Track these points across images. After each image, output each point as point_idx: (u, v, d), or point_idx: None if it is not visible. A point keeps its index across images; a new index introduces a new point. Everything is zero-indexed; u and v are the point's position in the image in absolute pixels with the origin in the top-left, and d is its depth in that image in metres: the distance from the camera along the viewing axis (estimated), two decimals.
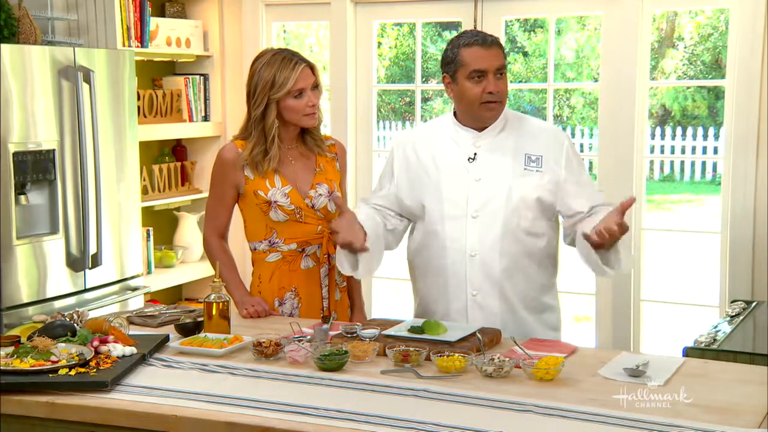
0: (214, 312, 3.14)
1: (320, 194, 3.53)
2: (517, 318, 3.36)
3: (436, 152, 3.44)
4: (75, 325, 3.05)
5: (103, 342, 2.88)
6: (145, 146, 5.36)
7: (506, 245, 3.32)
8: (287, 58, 3.46)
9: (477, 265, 3.33)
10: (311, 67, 3.49)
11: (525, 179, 3.33)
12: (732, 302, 4.26)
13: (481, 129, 3.40)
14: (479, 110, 3.36)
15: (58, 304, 4.45)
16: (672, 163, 14.67)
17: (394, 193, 3.50)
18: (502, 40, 5.23)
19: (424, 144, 3.49)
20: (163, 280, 5.54)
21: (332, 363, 2.77)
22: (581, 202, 3.32)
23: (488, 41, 3.35)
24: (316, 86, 3.50)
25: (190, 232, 5.83)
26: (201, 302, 3.30)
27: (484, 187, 3.34)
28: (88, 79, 4.52)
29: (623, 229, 3.06)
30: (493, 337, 3.07)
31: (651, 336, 5.52)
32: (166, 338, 3.08)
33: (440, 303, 3.43)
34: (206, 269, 5.58)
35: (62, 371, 2.69)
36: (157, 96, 5.53)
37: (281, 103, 3.45)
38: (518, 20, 12.77)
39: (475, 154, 3.38)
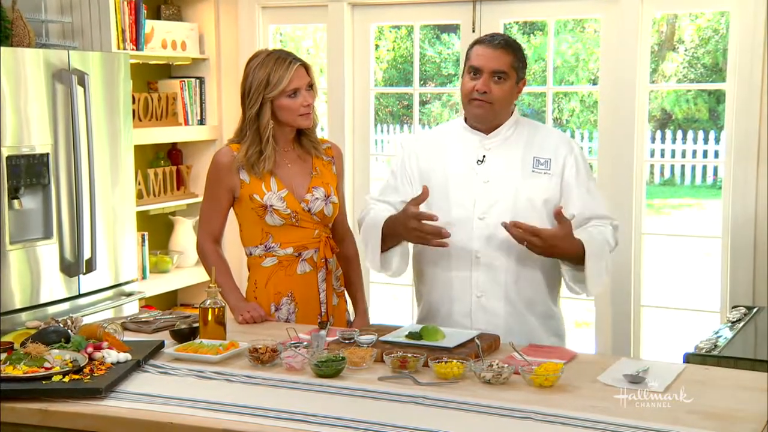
0: (209, 318, 3.13)
1: (317, 198, 3.50)
2: (522, 322, 3.36)
3: (445, 156, 3.45)
4: (69, 331, 3.05)
5: (98, 348, 2.86)
6: (140, 150, 5.34)
7: (512, 247, 3.30)
8: (281, 57, 3.44)
9: (482, 267, 3.34)
10: (306, 67, 3.48)
11: (532, 181, 3.33)
12: (733, 308, 4.24)
13: (488, 132, 3.39)
14: (468, 107, 3.39)
15: (51, 309, 4.43)
16: (672, 167, 14.69)
17: (402, 199, 3.47)
18: None
19: (432, 148, 3.51)
20: (158, 285, 5.52)
21: (329, 369, 2.76)
22: (578, 206, 3.32)
23: (495, 41, 3.35)
24: (310, 86, 3.48)
25: (185, 236, 5.82)
26: (196, 308, 3.29)
27: (492, 189, 3.34)
28: (82, 83, 4.50)
29: (530, 240, 3.14)
30: (491, 343, 3.04)
31: (651, 342, 5.50)
32: (161, 344, 3.06)
33: (444, 305, 3.43)
34: (202, 274, 5.54)
35: (56, 378, 2.67)
36: (152, 99, 5.51)
37: (276, 103, 3.43)
38: (517, 23, 12.76)
39: (484, 156, 3.39)
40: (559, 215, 3.17)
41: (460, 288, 3.38)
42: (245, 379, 2.76)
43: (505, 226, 3.16)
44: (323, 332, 3.03)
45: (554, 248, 3.18)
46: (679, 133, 14.21)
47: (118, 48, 5.09)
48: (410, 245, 3.47)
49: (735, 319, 3.93)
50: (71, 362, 2.75)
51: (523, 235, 3.14)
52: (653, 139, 13.88)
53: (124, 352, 2.88)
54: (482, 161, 3.38)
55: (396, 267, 3.45)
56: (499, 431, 2.36)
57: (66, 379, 2.67)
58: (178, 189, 5.82)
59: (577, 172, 3.36)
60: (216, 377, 2.78)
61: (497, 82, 3.32)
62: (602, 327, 5.23)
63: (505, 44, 3.35)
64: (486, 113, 3.37)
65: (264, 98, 3.42)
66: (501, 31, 5.23)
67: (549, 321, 3.42)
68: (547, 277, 3.39)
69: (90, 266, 4.60)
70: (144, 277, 5.45)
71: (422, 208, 3.37)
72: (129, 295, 4.91)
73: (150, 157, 5.77)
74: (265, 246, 3.51)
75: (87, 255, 4.58)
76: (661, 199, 13.72)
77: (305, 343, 2.99)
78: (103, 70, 4.69)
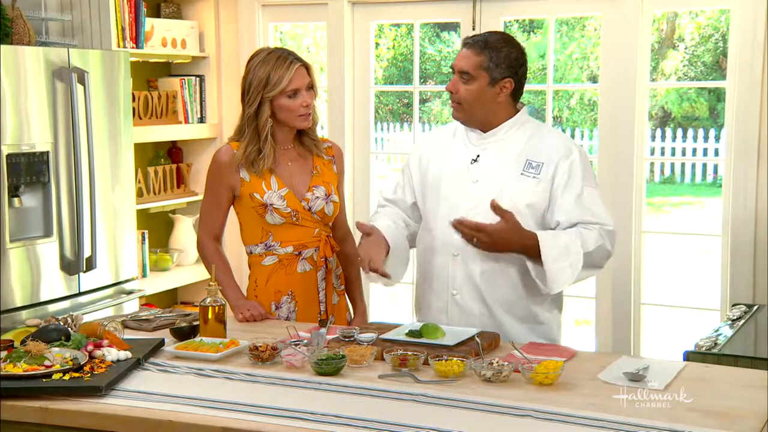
0: (209, 316, 3.12)
1: (317, 197, 3.50)
2: (499, 324, 3.31)
3: (446, 153, 3.45)
4: (69, 329, 3.04)
5: (98, 346, 2.85)
6: (140, 148, 5.33)
7: None
8: (282, 57, 3.43)
9: (459, 265, 3.34)
10: (306, 67, 3.47)
11: (519, 184, 3.29)
12: (733, 306, 4.23)
13: (485, 130, 3.38)
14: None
15: (51, 307, 4.43)
16: (672, 165, 14.65)
17: (402, 197, 3.54)
18: None
19: (436, 145, 3.51)
20: (158, 283, 5.51)
21: (329, 367, 2.75)
22: (564, 213, 3.26)
23: (469, 40, 3.33)
24: (311, 87, 3.47)
25: (185, 235, 5.81)
26: (197, 306, 3.28)
27: (479, 189, 3.32)
28: (82, 81, 4.49)
29: (477, 236, 3.14)
30: (491, 341, 3.04)
31: (651, 340, 5.49)
32: (162, 342, 3.06)
33: (425, 299, 3.46)
34: (202, 272, 5.54)
35: (56, 376, 2.67)
36: (152, 97, 5.50)
37: (275, 102, 3.42)
38: (517, 21, 12.75)
39: (478, 155, 3.37)
40: (496, 209, 3.15)
41: (438, 284, 3.39)
42: (245, 377, 2.75)
43: (453, 225, 3.18)
44: (323, 330, 3.03)
45: (506, 243, 3.16)
46: (679, 131, 14.18)
47: (118, 46, 5.08)
48: (403, 251, 3.49)
49: (735, 317, 3.93)
50: (71, 360, 2.75)
51: (469, 232, 3.15)
52: (653, 138, 13.85)
53: (124, 350, 2.87)
54: (476, 160, 3.36)
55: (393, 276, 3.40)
56: (500, 429, 2.35)
57: (66, 377, 2.66)
58: (178, 187, 5.81)
59: (569, 177, 3.28)
60: (216, 375, 2.78)
61: (463, 83, 3.30)
62: (602, 325, 5.22)
63: (475, 44, 3.29)
64: (458, 114, 3.37)
65: (263, 97, 3.41)
66: (501, 29, 5.23)
67: (535, 326, 3.36)
68: (526, 280, 3.30)
69: (90, 264, 4.60)
70: (144, 275, 5.45)
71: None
72: (129, 293, 4.90)
73: (150, 155, 5.76)
74: (266, 244, 3.50)
75: (87, 253, 4.58)
76: (661, 197, 13.69)
77: (305, 341, 2.99)
78: (103, 68, 4.69)
